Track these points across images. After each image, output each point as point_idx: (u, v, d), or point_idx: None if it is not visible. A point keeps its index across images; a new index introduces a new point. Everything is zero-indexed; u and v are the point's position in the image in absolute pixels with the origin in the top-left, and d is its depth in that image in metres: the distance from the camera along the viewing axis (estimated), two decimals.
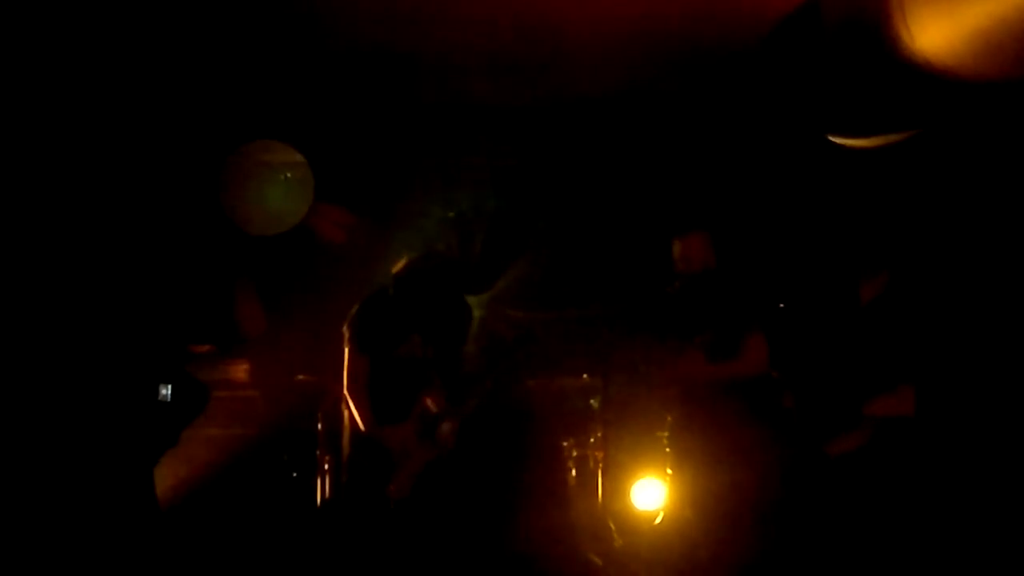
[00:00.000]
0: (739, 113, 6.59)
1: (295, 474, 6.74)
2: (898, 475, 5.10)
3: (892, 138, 4.98)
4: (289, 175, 6.71)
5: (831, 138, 5.16)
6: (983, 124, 5.30)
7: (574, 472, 6.96)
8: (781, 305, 6.12)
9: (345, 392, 5.42)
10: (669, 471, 6.74)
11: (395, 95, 6.51)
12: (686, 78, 6.27)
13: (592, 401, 7.10)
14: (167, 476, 6.22)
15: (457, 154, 7.41)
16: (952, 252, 5.60)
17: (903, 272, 5.42)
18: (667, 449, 6.42)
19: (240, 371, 6.93)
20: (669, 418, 6.18)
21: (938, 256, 5.59)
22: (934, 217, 5.72)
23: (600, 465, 6.93)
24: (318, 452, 6.72)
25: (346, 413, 5.58)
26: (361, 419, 5.33)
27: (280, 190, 6.70)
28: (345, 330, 5.48)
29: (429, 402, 5.35)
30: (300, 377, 6.99)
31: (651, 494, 6.90)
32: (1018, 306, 5.24)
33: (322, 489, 6.71)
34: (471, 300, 5.84)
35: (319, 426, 6.75)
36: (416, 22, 5.57)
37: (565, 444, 6.92)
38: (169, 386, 4.63)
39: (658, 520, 6.75)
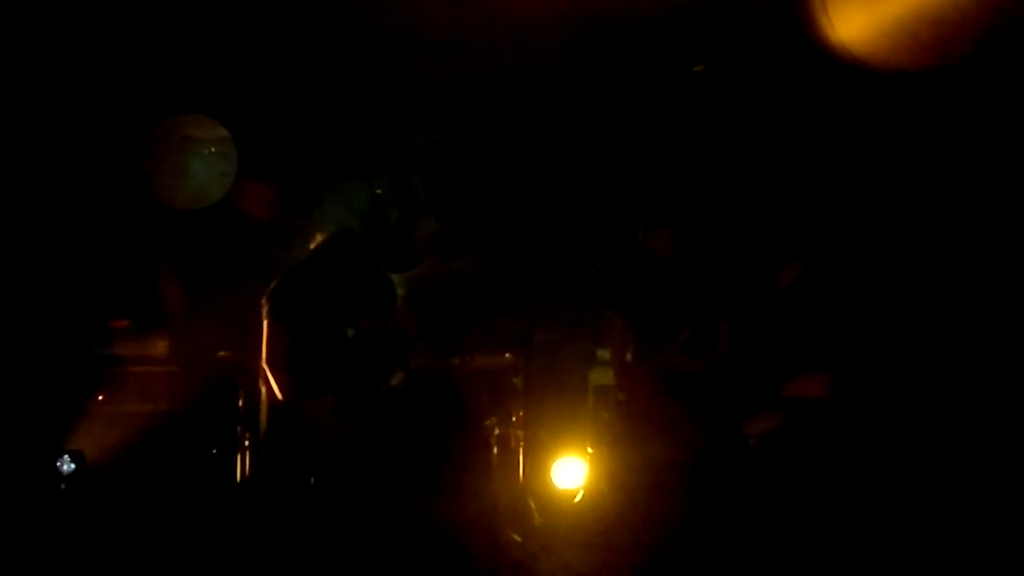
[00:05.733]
0: (669, 92, 6.64)
1: (215, 450, 6.69)
2: (812, 455, 5.22)
3: None
4: (213, 150, 6.65)
5: None
6: (898, 114, 5.41)
7: (496, 450, 6.99)
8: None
9: (264, 365, 5.39)
10: (589, 450, 6.83)
11: (322, 71, 6.45)
12: (617, 55, 6.29)
13: (515, 380, 7.13)
14: (86, 452, 6.19)
15: (384, 130, 7.38)
16: (867, 240, 5.71)
17: (819, 259, 5.52)
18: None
19: (160, 346, 6.85)
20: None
21: (854, 243, 5.69)
22: (850, 205, 5.82)
23: (521, 443, 6.98)
24: (238, 428, 6.68)
25: (264, 389, 5.55)
26: (280, 391, 5.30)
27: (203, 165, 6.64)
28: (264, 303, 5.44)
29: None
30: (220, 353, 6.92)
31: (571, 472, 6.98)
32: (929, 293, 5.36)
33: (242, 465, 6.67)
34: (395, 278, 5.83)
35: (239, 402, 6.70)
36: None
37: (487, 422, 6.94)
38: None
39: (578, 498, 6.83)
